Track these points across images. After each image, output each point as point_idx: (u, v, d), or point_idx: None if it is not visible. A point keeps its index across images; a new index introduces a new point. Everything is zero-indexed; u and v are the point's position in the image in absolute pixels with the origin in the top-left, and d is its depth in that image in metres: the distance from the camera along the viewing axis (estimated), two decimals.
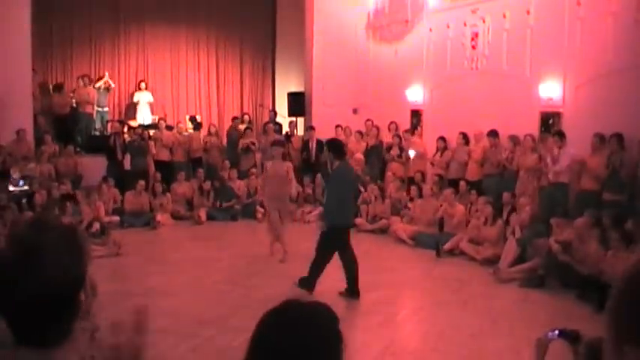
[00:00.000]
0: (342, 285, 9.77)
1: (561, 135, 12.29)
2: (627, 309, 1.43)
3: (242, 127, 19.15)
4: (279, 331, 1.82)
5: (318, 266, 9.74)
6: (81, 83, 18.95)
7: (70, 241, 1.82)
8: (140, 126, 18.50)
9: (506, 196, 12.64)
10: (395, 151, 16.45)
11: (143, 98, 20.22)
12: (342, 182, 9.80)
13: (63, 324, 1.80)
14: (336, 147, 9.96)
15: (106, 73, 19.91)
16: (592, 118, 12.17)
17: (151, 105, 20.33)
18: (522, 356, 7.43)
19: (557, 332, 2.58)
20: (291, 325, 1.82)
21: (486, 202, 12.73)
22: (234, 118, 19.58)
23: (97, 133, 19.02)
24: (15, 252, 1.74)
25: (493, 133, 13.88)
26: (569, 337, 2.54)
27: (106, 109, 19.74)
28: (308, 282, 9.72)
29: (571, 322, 8.14)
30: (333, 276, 9.85)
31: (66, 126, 18.27)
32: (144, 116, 19.94)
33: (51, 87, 19.40)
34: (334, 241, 9.75)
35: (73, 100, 18.76)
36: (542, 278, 10.42)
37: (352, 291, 9.69)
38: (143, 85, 20.45)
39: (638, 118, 11.29)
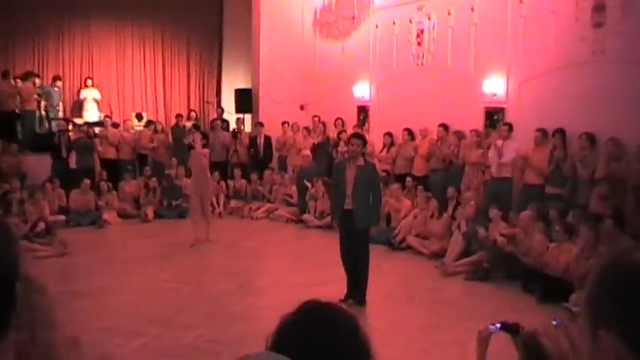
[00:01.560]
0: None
1: (509, 126, 12.48)
2: (602, 295, 1.50)
3: (188, 124, 19.04)
4: (301, 333, 1.77)
5: (366, 273, 9.27)
6: (19, 82, 18.52)
7: (1, 231, 1.80)
8: (86, 123, 18.24)
9: (450, 190, 12.82)
10: (342, 148, 16.49)
11: (90, 95, 19.94)
12: (374, 180, 9.41)
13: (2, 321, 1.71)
14: (365, 140, 9.48)
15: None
16: (535, 113, 12.39)
17: (98, 102, 20.05)
18: (468, 349, 7.52)
19: (498, 325, 2.65)
20: (315, 327, 1.78)
21: (428, 197, 12.93)
22: (178, 116, 19.43)
23: (41, 131, 18.68)
24: None
25: (444, 126, 14.03)
26: (511, 329, 2.60)
27: (58, 108, 19.44)
28: (363, 298, 9.21)
29: (516, 314, 8.35)
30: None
31: (9, 123, 17.90)
32: (90, 113, 19.66)
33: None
34: (367, 244, 9.37)
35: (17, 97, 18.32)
36: (488, 271, 10.61)
37: (360, 297, 9.21)
38: (90, 82, 20.16)
39: (580, 114, 11.53)
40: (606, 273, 1.52)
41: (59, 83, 19.64)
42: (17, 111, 18.19)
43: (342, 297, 9.01)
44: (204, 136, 14.14)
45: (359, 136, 9.63)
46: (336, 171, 9.59)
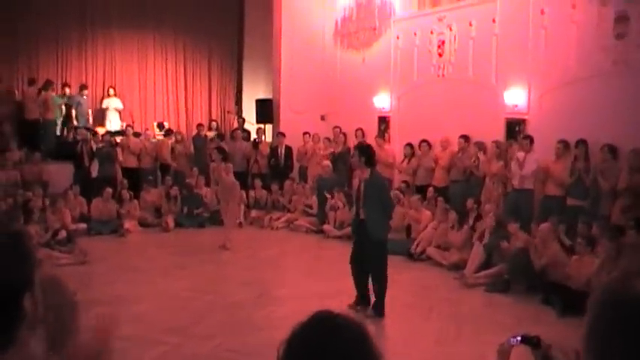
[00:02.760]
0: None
1: (530, 139, 12.42)
2: (608, 332, 1.46)
3: (210, 134, 19.11)
4: (311, 342, 1.78)
5: (385, 282, 9.35)
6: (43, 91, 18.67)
7: (13, 242, 1.81)
8: (107, 132, 18.35)
9: (469, 202, 12.73)
10: None
11: (112, 105, 20.07)
12: (382, 190, 9.47)
13: (6, 328, 1.77)
14: (368, 153, 9.40)
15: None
16: (556, 124, 12.32)
17: (120, 111, 20.18)
18: None
19: (519, 338, 2.62)
20: (324, 336, 1.78)
21: (446, 209, 12.89)
22: (199, 125, 19.50)
23: (67, 140, 18.80)
24: None
25: (465, 137, 13.98)
26: (531, 342, 2.58)
27: (87, 117, 19.67)
28: (382, 309, 9.27)
29: (536, 327, 8.26)
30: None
31: (32, 132, 18.03)
32: (112, 123, 19.79)
33: (26, 80, 19.16)
34: (386, 252, 9.42)
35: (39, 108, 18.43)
36: (508, 283, 10.53)
37: (379, 307, 9.28)
38: (112, 91, 20.30)
39: (601, 125, 11.45)
40: (609, 307, 1.47)
41: (86, 92, 19.83)
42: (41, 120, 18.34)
43: (351, 303, 9.25)
44: (221, 151, 14.26)
45: (358, 148, 9.80)
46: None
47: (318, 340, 1.76)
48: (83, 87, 19.95)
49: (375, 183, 9.31)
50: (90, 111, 19.88)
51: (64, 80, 20.09)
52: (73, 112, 19.34)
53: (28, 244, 1.87)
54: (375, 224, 9.21)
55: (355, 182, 9.41)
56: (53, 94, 18.92)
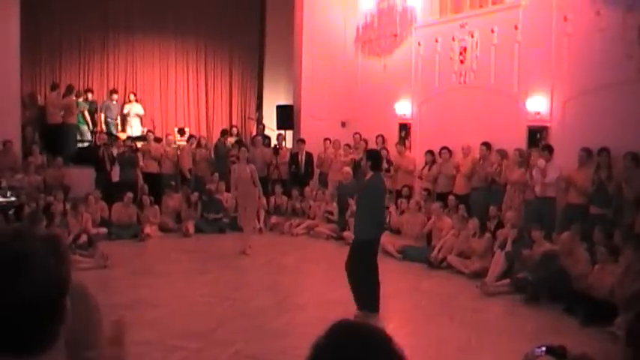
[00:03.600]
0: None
1: (549, 149, 12.34)
2: None
3: (231, 140, 19.15)
4: (336, 357, 1.73)
5: (371, 284, 9.39)
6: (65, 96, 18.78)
7: (53, 247, 1.83)
8: (129, 138, 18.44)
9: (492, 210, 12.67)
10: (383, 165, 16.46)
11: (133, 110, 20.17)
12: (374, 194, 9.56)
13: (48, 330, 1.80)
14: (374, 157, 9.66)
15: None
16: (579, 132, 12.23)
17: (141, 117, 20.26)
18: None
19: (544, 348, 2.59)
20: (349, 350, 1.73)
21: (464, 217, 12.84)
22: (224, 131, 19.53)
23: (86, 144, 18.94)
24: (1, 259, 1.75)
25: (486, 144, 13.91)
26: (556, 353, 2.54)
27: (117, 121, 19.91)
28: (372, 304, 9.29)
29: (558, 336, 8.18)
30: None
31: (54, 137, 18.16)
32: (133, 128, 19.88)
33: (48, 85, 19.35)
34: (371, 252, 9.45)
35: (62, 113, 18.56)
36: (537, 292, 10.38)
37: (371, 305, 9.30)
38: (132, 96, 20.40)
39: (624, 133, 11.35)
40: None
41: (116, 97, 19.99)
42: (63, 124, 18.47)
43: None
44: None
45: (366, 152, 10.13)
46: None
47: (344, 355, 1.72)
48: (113, 92, 20.16)
49: (371, 186, 9.49)
50: (119, 116, 20.03)
51: (86, 85, 20.23)
52: (102, 116, 19.61)
53: (64, 246, 1.91)
54: (360, 224, 9.41)
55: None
56: (80, 100, 19.13)
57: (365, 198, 9.58)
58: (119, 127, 19.79)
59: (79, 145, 18.97)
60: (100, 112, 19.88)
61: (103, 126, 19.50)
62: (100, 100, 20.24)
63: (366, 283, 9.34)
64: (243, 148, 14.38)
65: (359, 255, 9.36)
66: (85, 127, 19.38)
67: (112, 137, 18.09)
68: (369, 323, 1.83)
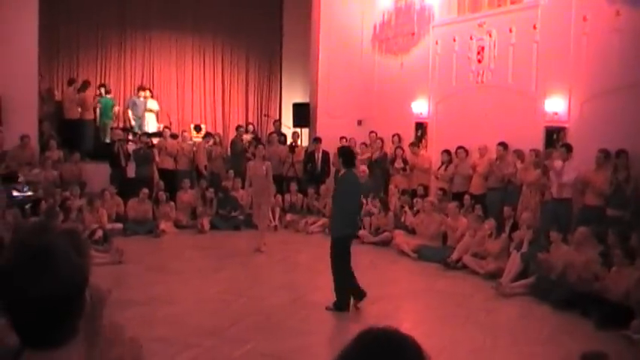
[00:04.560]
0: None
1: (568, 148, 12.25)
2: None
3: (247, 136, 19.15)
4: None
5: (344, 279, 9.59)
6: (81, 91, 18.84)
7: (74, 242, 1.88)
8: (145, 134, 18.48)
9: (507, 210, 12.60)
10: (399, 164, 16.45)
11: (149, 106, 20.20)
12: (346, 191, 9.72)
13: (70, 323, 1.84)
14: (345, 154, 9.90)
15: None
16: (597, 133, 12.14)
17: (157, 113, 20.32)
18: None
19: None
20: (382, 355, 1.70)
21: (480, 217, 12.78)
22: (239, 127, 19.55)
23: (107, 141, 18.94)
24: (24, 255, 1.79)
25: (503, 144, 13.85)
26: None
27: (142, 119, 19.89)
28: (340, 303, 9.46)
29: (573, 339, 8.14)
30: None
31: (71, 132, 18.24)
32: (149, 124, 19.92)
33: (66, 80, 19.45)
34: (343, 250, 9.65)
35: (79, 108, 18.61)
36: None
37: (340, 302, 9.50)
38: (147, 93, 20.41)
39: None
40: None
41: (142, 93, 20.06)
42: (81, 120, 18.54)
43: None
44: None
45: (339, 150, 10.22)
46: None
47: (379, 357, 1.69)
48: (141, 88, 20.19)
49: (343, 183, 9.77)
50: (146, 113, 20.01)
51: (102, 81, 20.32)
52: (128, 112, 19.73)
53: (85, 241, 1.94)
54: (335, 221, 9.84)
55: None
56: (109, 96, 19.33)
57: (338, 195, 9.79)
58: (146, 124, 19.82)
59: (107, 141, 18.99)
60: (127, 108, 20.01)
61: (133, 122, 19.54)
62: (120, 97, 20.32)
63: (337, 281, 9.56)
64: (260, 146, 14.28)
65: (334, 253, 9.66)
66: (110, 123, 19.45)
67: (132, 132, 18.15)
68: (398, 332, 1.77)
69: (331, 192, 10.57)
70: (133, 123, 19.56)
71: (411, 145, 16.57)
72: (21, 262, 1.77)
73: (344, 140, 17.79)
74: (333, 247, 9.70)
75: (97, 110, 19.31)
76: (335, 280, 9.60)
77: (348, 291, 9.57)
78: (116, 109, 19.80)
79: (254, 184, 13.64)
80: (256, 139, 18.59)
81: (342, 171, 9.80)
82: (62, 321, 1.81)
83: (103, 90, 19.64)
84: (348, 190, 9.75)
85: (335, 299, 9.50)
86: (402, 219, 14.79)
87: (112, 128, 19.09)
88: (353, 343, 1.73)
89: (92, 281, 2.03)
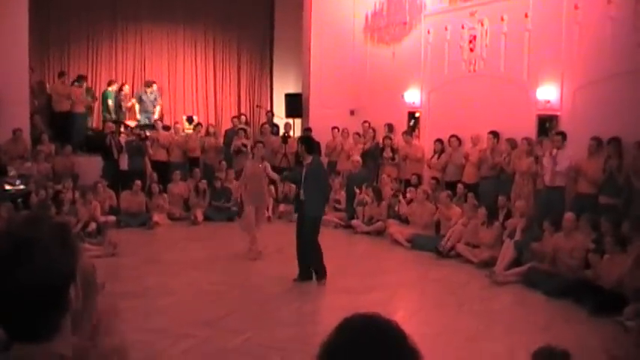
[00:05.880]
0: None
1: (562, 135, 12.27)
2: None
3: (236, 122, 19.17)
4: (352, 349, 1.68)
5: (318, 254, 10.61)
6: (76, 83, 18.75)
7: (60, 235, 1.85)
8: (137, 126, 18.44)
9: (501, 199, 12.64)
10: (387, 154, 16.44)
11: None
12: (319, 175, 10.93)
13: (52, 318, 1.82)
14: (307, 142, 11.15)
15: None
16: (589, 121, 12.16)
17: (161, 106, 20.21)
18: (518, 359, 7.44)
19: None
20: (364, 342, 1.69)
21: (475, 206, 12.81)
22: (234, 118, 19.52)
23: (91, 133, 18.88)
24: (6, 245, 1.77)
25: (494, 133, 13.88)
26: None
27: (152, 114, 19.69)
28: (320, 271, 10.59)
29: (567, 326, 8.18)
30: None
31: (63, 125, 18.16)
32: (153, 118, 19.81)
33: (56, 73, 19.36)
34: (318, 229, 10.75)
35: (69, 101, 18.51)
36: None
37: (320, 272, 10.60)
38: (155, 87, 20.27)
39: (635, 123, 11.27)
40: None
41: (150, 89, 19.94)
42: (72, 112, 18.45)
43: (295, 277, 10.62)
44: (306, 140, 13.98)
45: (299, 138, 11.95)
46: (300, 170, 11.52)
47: (360, 350, 1.67)
48: (148, 83, 20.08)
49: (315, 168, 10.83)
50: (157, 107, 19.93)
51: (92, 74, 20.24)
52: (136, 106, 19.58)
53: (73, 236, 1.91)
54: (312, 204, 10.65)
55: (302, 170, 10.99)
56: (110, 89, 19.44)
57: (311, 180, 10.65)
58: (155, 118, 19.66)
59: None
60: (135, 101, 19.84)
61: (139, 116, 19.45)
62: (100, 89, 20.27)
63: (314, 255, 10.63)
64: (259, 144, 13.46)
65: (313, 231, 10.66)
66: (108, 116, 19.34)
67: (118, 124, 18.10)
68: (380, 317, 1.76)
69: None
70: (138, 117, 19.44)
71: (404, 133, 16.55)
72: (3, 253, 1.76)
73: (336, 130, 17.81)
74: (310, 226, 10.62)
75: (110, 103, 19.36)
76: (311, 254, 10.60)
77: (322, 260, 10.64)
78: (129, 103, 19.72)
79: (251, 185, 12.65)
80: (243, 130, 18.37)
81: (310, 158, 10.75)
82: (44, 314, 1.79)
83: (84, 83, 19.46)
84: (321, 173, 11.20)
85: (317, 270, 10.59)
86: (397, 208, 14.81)
87: (104, 121, 19.01)
88: (337, 329, 1.72)
89: (85, 265, 2.03)
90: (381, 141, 17.01)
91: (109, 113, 19.32)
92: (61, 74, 18.89)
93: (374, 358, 1.66)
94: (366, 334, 1.70)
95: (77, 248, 1.90)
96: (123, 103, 19.70)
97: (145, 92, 19.74)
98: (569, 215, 10.79)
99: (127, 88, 20.06)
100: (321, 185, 11.07)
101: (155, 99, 19.84)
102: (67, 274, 1.83)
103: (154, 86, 19.98)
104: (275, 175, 13.63)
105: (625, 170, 11.11)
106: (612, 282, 9.34)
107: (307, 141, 11.27)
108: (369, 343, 1.68)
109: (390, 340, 1.70)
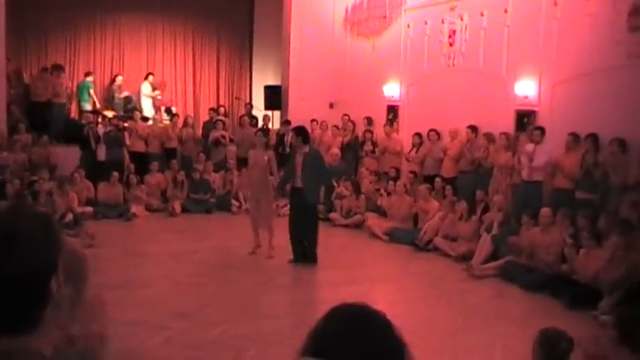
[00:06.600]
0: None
1: (541, 130, 12.33)
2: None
3: (215, 114, 19.18)
4: (340, 337, 1.69)
5: (316, 238, 11.32)
6: (54, 73, 18.60)
7: (44, 227, 1.82)
8: (115, 116, 18.33)
9: (479, 193, 12.69)
10: (368, 147, 16.45)
11: (145, 92, 20.14)
12: (320, 163, 11.54)
13: (33, 310, 1.78)
14: (303, 133, 11.47)
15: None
16: (567, 117, 12.24)
17: (154, 98, 20.29)
18: (495, 351, 7.50)
19: None
20: (351, 332, 1.70)
21: (453, 201, 12.86)
22: (212, 109, 19.48)
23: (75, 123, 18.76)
24: None
25: (473, 128, 13.92)
26: None
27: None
28: (314, 255, 11.27)
29: (544, 319, 8.24)
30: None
31: (41, 115, 18.01)
32: (145, 109, 19.73)
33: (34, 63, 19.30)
34: (317, 216, 11.63)
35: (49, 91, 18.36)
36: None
37: (313, 257, 11.25)
38: (120, 78, 20.26)
39: (612, 119, 11.36)
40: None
41: (150, 78, 20.15)
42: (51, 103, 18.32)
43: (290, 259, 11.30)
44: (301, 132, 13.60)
45: (294, 129, 12.25)
46: (290, 158, 11.99)
47: (346, 338, 1.69)
48: (149, 76, 20.25)
49: (314, 157, 11.39)
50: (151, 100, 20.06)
51: (70, 66, 20.11)
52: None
53: (56, 227, 1.88)
54: (311, 191, 11.14)
55: (297, 158, 11.24)
56: (88, 79, 19.36)
57: (311, 169, 11.05)
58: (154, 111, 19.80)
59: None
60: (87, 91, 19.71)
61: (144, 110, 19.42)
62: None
63: (313, 239, 11.31)
64: (259, 133, 12.99)
65: (314, 217, 11.42)
66: (88, 106, 19.21)
67: (96, 115, 18.03)
68: (368, 307, 1.78)
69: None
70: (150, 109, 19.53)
71: (386, 125, 16.53)
72: None
73: (315, 123, 17.78)
74: (312, 213, 11.31)
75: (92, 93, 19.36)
76: (310, 238, 11.27)
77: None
78: (122, 95, 19.81)
79: (253, 176, 12.31)
80: (220, 121, 18.33)
81: (307, 147, 11.27)
82: (25, 307, 1.76)
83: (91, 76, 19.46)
84: (322, 164, 11.73)
85: (310, 255, 11.23)
86: (379, 202, 14.83)
87: (82, 111, 18.89)
88: (324, 319, 1.74)
89: (74, 253, 2.01)
90: (360, 134, 17.03)
91: (87, 104, 19.19)
92: (44, 70, 18.79)
93: (362, 347, 1.68)
94: (354, 322, 1.72)
95: (60, 239, 1.87)
96: (116, 94, 19.65)
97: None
98: (545, 210, 10.89)
99: (119, 80, 20.01)
100: (323, 174, 11.63)
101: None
102: (50, 265, 1.80)
103: (150, 78, 20.29)
104: (275, 171, 12.15)
105: (602, 166, 11.19)
106: (588, 276, 9.42)
107: (303, 132, 11.53)
108: (357, 331, 1.70)
109: (377, 330, 1.73)
